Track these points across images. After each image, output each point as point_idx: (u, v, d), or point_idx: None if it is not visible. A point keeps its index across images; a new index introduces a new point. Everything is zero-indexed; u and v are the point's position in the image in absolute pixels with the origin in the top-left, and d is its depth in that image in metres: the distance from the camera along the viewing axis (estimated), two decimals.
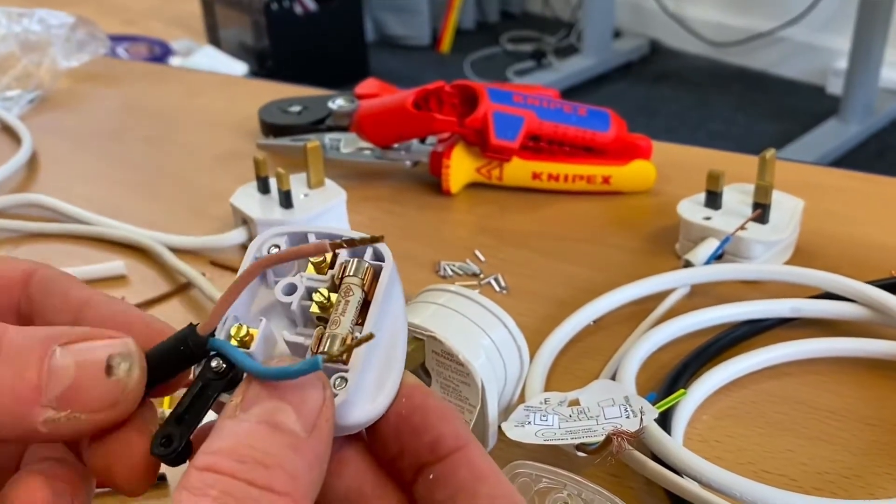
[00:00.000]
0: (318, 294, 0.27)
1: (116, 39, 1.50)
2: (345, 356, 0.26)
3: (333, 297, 0.27)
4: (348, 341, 0.26)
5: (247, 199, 0.67)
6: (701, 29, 2.83)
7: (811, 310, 0.55)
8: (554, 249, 0.67)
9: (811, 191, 0.67)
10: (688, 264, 0.60)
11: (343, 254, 0.28)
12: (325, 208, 0.66)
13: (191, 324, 0.27)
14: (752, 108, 2.61)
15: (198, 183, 0.80)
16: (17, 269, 0.29)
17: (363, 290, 0.27)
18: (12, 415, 0.24)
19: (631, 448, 0.43)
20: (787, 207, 0.63)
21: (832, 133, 2.34)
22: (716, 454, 0.47)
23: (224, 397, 0.26)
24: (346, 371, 0.26)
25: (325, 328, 0.27)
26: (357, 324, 0.27)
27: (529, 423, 0.44)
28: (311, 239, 0.29)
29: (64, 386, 0.24)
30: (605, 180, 0.72)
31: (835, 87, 2.56)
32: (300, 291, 0.28)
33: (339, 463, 0.27)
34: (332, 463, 0.26)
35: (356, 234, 0.28)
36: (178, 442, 0.25)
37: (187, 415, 0.26)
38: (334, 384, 0.26)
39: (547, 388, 0.52)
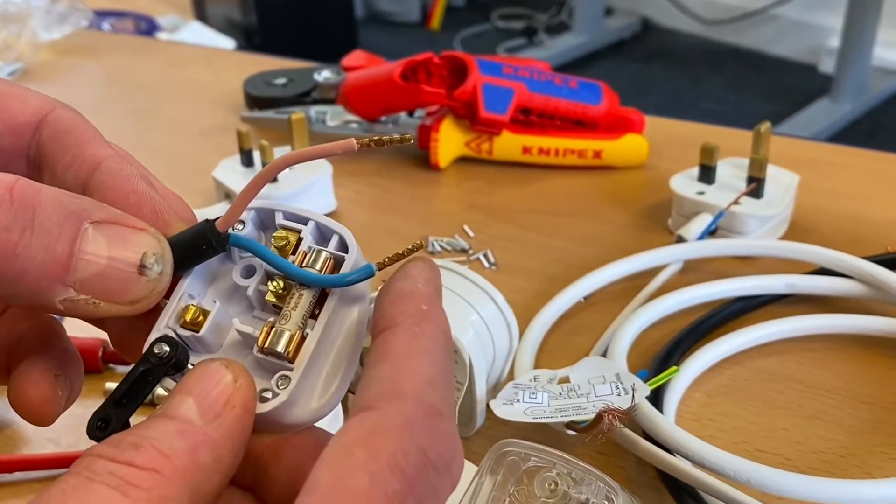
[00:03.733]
0: (273, 283, 0.26)
1: (102, 15, 1.48)
2: (290, 353, 0.25)
3: (289, 285, 0.26)
4: (295, 339, 0.25)
5: (230, 172, 0.66)
6: (693, 7, 2.81)
7: (806, 286, 0.54)
8: (544, 225, 0.66)
9: (806, 166, 0.65)
10: (680, 240, 0.59)
11: (307, 240, 0.27)
12: (311, 182, 0.65)
13: (207, 220, 0.26)
14: (744, 87, 2.59)
15: (181, 157, 0.78)
16: (30, 109, 0.28)
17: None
18: (34, 287, 0.23)
19: (622, 426, 0.42)
20: (781, 182, 0.62)
21: (824, 112, 2.32)
22: (709, 433, 0.46)
23: (168, 382, 0.25)
24: (291, 369, 0.25)
25: (276, 320, 0.26)
26: (313, 316, 0.26)
27: (518, 400, 0.43)
28: (279, 218, 0.27)
29: (92, 272, 0.24)
30: (597, 155, 0.71)
31: (827, 65, 2.55)
32: (258, 275, 0.27)
33: None
34: None
35: (385, 136, 0.26)
36: (115, 424, 0.25)
37: (125, 399, 0.25)
38: (277, 383, 0.25)
39: (536, 366, 0.50)
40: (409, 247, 0.26)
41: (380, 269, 0.26)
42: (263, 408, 0.25)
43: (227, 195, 0.65)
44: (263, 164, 0.64)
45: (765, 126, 0.60)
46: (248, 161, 0.65)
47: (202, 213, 0.65)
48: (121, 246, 0.24)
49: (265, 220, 0.28)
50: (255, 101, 0.81)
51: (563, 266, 0.60)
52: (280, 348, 0.25)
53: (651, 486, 0.43)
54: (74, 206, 0.24)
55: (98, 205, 0.25)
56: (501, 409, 0.42)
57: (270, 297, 0.26)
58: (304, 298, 0.26)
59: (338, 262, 0.26)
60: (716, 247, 0.58)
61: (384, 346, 0.24)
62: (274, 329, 0.25)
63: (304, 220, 0.27)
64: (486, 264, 0.61)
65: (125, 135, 0.83)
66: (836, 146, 0.75)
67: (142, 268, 0.25)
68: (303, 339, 0.25)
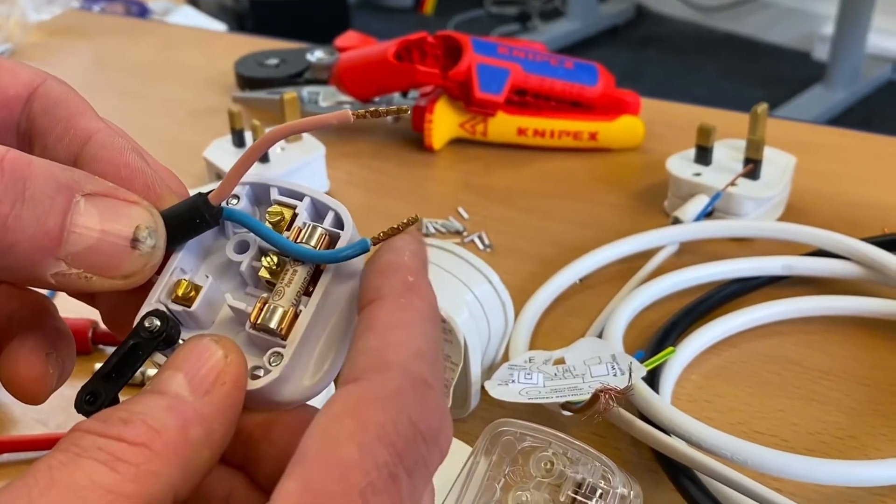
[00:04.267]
0: (267, 258, 0.26)
1: None
2: (283, 330, 0.25)
3: (283, 262, 0.26)
4: (288, 315, 0.25)
5: (221, 152, 0.65)
6: None
7: (803, 267, 0.54)
8: (539, 207, 0.65)
9: (803, 149, 0.65)
10: (676, 221, 0.59)
11: (301, 216, 0.26)
12: (303, 163, 0.64)
13: (200, 192, 0.26)
14: (737, 74, 2.58)
15: (173, 138, 0.77)
16: (20, 83, 0.28)
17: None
18: (25, 260, 0.23)
19: (618, 407, 0.42)
20: (778, 164, 0.61)
21: (818, 99, 2.32)
22: (705, 414, 0.46)
23: (158, 357, 0.25)
24: (283, 346, 0.25)
25: (269, 296, 0.25)
26: (307, 293, 0.25)
27: (514, 381, 0.43)
28: (274, 193, 0.27)
29: (84, 246, 0.23)
30: (593, 136, 0.70)
31: (821, 52, 2.54)
32: (252, 251, 0.26)
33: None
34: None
35: (381, 108, 0.25)
36: (104, 399, 0.24)
37: (114, 373, 0.24)
38: (269, 360, 0.25)
39: (532, 347, 0.50)
40: (405, 221, 0.26)
41: (374, 245, 0.25)
42: (255, 385, 0.24)
43: (219, 175, 0.64)
44: None
45: (762, 107, 0.60)
46: (239, 141, 0.65)
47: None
48: (113, 219, 0.24)
49: (260, 196, 0.27)
50: (247, 82, 0.81)
51: (559, 248, 0.59)
52: (273, 325, 0.25)
53: (647, 468, 0.43)
54: (66, 178, 0.24)
55: (90, 177, 0.24)
56: (496, 390, 0.42)
57: (264, 273, 0.26)
58: (298, 275, 0.25)
59: (333, 239, 0.26)
60: (712, 228, 0.58)
61: (370, 318, 0.23)
62: (267, 305, 0.25)
63: (299, 196, 0.26)
64: (481, 246, 0.61)
65: (116, 116, 0.81)
66: (832, 129, 0.75)
67: (134, 241, 0.24)
68: (296, 315, 0.25)
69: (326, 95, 0.75)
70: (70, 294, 0.27)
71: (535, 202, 0.66)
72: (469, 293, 0.45)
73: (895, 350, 0.50)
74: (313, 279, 0.25)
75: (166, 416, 0.22)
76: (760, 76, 2.57)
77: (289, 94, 0.64)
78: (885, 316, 0.51)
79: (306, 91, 0.76)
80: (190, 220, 0.25)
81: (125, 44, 0.98)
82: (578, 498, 0.34)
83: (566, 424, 0.45)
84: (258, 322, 0.25)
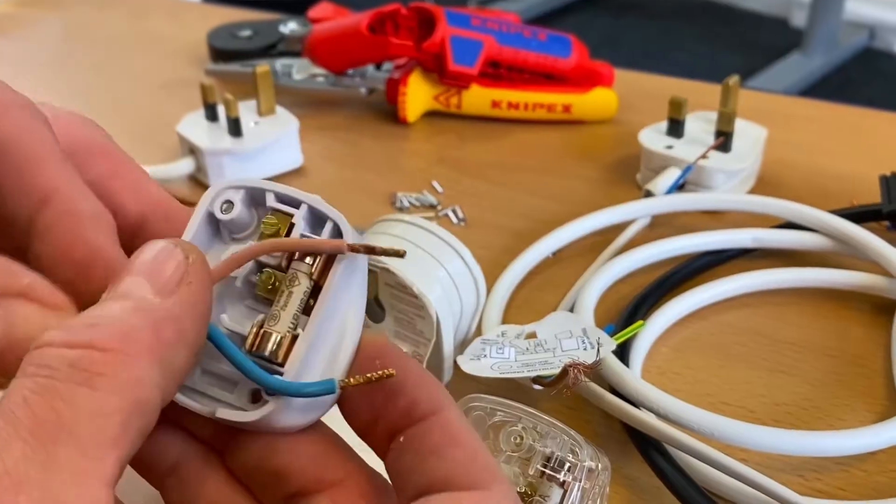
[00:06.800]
0: (264, 273, 0.25)
1: None
2: (280, 357, 0.24)
3: (281, 276, 0.25)
4: (285, 342, 0.24)
5: (194, 127, 0.64)
6: None
7: (772, 240, 0.54)
8: (513, 180, 0.65)
9: (775, 120, 0.65)
10: (648, 194, 0.59)
11: (299, 226, 0.25)
12: (277, 137, 0.64)
13: None
14: (715, 41, 2.58)
15: (144, 111, 0.77)
16: None
17: (311, 278, 0.24)
18: None
19: (588, 380, 0.42)
20: (750, 136, 0.62)
21: (795, 66, 2.32)
22: (674, 386, 0.47)
23: None
24: (282, 373, 0.24)
25: (265, 318, 0.24)
26: (304, 312, 0.24)
27: (486, 356, 0.43)
28: (270, 200, 0.25)
29: None
30: (566, 109, 0.70)
31: (798, 19, 2.54)
32: (248, 266, 0.25)
33: (197, 484, 0.25)
34: (189, 484, 0.24)
35: (359, 240, 0.24)
36: None
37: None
38: None
39: (504, 322, 0.50)
40: (379, 373, 0.24)
41: (342, 389, 0.24)
42: (251, 416, 0.24)
43: (192, 150, 0.64)
44: (228, 119, 0.62)
45: (733, 80, 0.60)
46: (212, 115, 0.64)
47: (166, 170, 0.63)
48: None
49: (257, 198, 0.26)
50: (220, 54, 0.80)
51: (532, 221, 0.60)
52: (268, 352, 0.24)
53: (617, 440, 0.44)
54: None
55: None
56: (468, 365, 0.42)
57: (260, 292, 0.25)
58: (294, 296, 0.24)
59: (332, 255, 0.25)
60: (683, 201, 0.58)
61: (445, 431, 0.24)
62: (261, 330, 0.24)
63: (296, 203, 0.25)
64: (455, 220, 0.61)
65: (87, 89, 0.81)
66: (803, 100, 0.75)
67: None
68: (294, 339, 0.24)
69: (300, 68, 0.75)
70: None
71: (508, 175, 0.66)
72: (441, 269, 0.45)
73: (860, 321, 0.50)
74: (313, 293, 0.25)
75: (135, 318, 0.21)
76: (738, 43, 2.57)
77: (262, 67, 0.63)
78: (852, 287, 0.52)
79: (279, 63, 0.75)
80: None
81: (96, 15, 0.97)
82: (547, 472, 0.35)
83: (539, 398, 0.45)
84: (253, 349, 0.24)
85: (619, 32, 2.67)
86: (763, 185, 0.62)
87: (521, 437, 0.36)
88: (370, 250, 0.24)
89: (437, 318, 0.43)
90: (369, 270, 0.43)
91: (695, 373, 0.48)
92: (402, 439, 0.24)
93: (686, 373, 0.48)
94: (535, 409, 0.36)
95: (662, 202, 0.58)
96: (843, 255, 0.54)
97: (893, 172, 0.56)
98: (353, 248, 0.24)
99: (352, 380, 0.24)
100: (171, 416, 0.24)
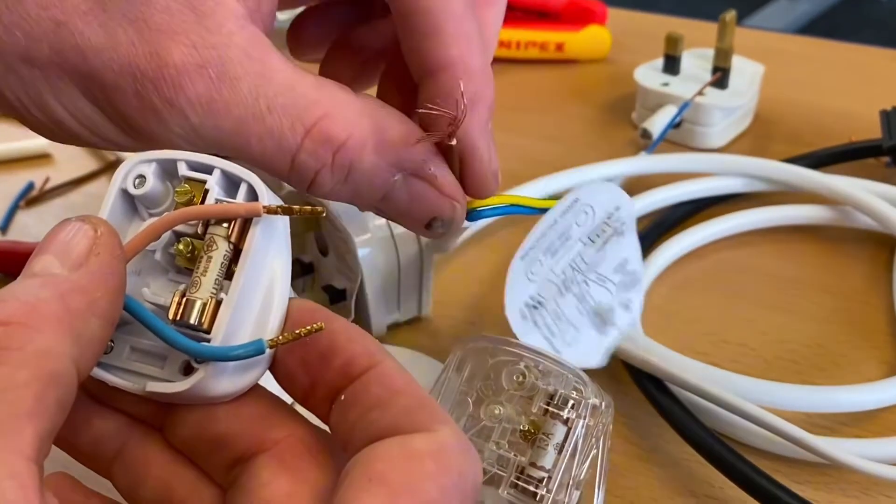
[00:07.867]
0: (182, 242, 0.24)
1: None
2: (205, 323, 0.23)
3: (199, 244, 0.24)
4: (209, 307, 0.23)
5: None
6: None
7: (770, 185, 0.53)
8: (506, 121, 0.63)
9: (772, 57, 0.64)
10: (645, 133, 0.58)
11: (213, 191, 0.24)
12: None
13: None
14: None
15: None
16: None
17: (229, 242, 0.24)
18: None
19: None
20: (747, 73, 0.60)
21: (782, 12, 2.30)
22: (673, 325, 0.46)
23: None
24: (208, 340, 0.23)
25: (186, 286, 0.24)
26: (228, 277, 0.24)
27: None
28: (182, 168, 0.24)
29: None
30: (559, 47, 0.69)
31: None
32: (165, 238, 0.24)
33: (142, 465, 0.25)
34: (134, 466, 0.24)
35: (276, 200, 0.24)
36: None
37: None
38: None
39: None
40: (308, 328, 0.23)
41: (271, 348, 0.23)
42: (181, 387, 0.23)
43: None
44: None
45: (730, 15, 0.59)
46: None
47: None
48: None
49: (169, 170, 0.25)
50: None
51: (526, 163, 0.58)
52: (193, 320, 0.23)
53: (617, 378, 0.43)
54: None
55: None
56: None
57: (180, 262, 0.24)
58: (214, 261, 0.23)
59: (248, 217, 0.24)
60: (666, 162, 0.57)
61: (384, 383, 0.23)
62: (184, 299, 0.23)
63: (208, 169, 0.24)
64: None
65: None
66: (800, 37, 0.74)
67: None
68: (218, 304, 0.23)
69: None
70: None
71: (502, 116, 0.64)
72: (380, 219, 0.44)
73: (861, 258, 0.50)
74: (235, 258, 0.24)
75: (41, 291, 0.21)
76: None
77: None
78: (850, 224, 0.51)
79: None
80: None
81: None
82: (550, 409, 0.34)
83: None
84: (177, 319, 0.23)
85: None
86: (760, 123, 0.61)
87: (524, 376, 0.35)
88: (287, 211, 0.24)
89: (357, 252, 0.42)
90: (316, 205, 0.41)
91: (694, 311, 0.47)
92: (342, 398, 0.23)
93: (685, 311, 0.47)
94: (537, 347, 0.36)
95: (649, 162, 0.56)
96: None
97: (894, 107, 0.55)
98: (270, 210, 0.23)
99: (280, 337, 0.24)
100: (107, 401, 0.25)
